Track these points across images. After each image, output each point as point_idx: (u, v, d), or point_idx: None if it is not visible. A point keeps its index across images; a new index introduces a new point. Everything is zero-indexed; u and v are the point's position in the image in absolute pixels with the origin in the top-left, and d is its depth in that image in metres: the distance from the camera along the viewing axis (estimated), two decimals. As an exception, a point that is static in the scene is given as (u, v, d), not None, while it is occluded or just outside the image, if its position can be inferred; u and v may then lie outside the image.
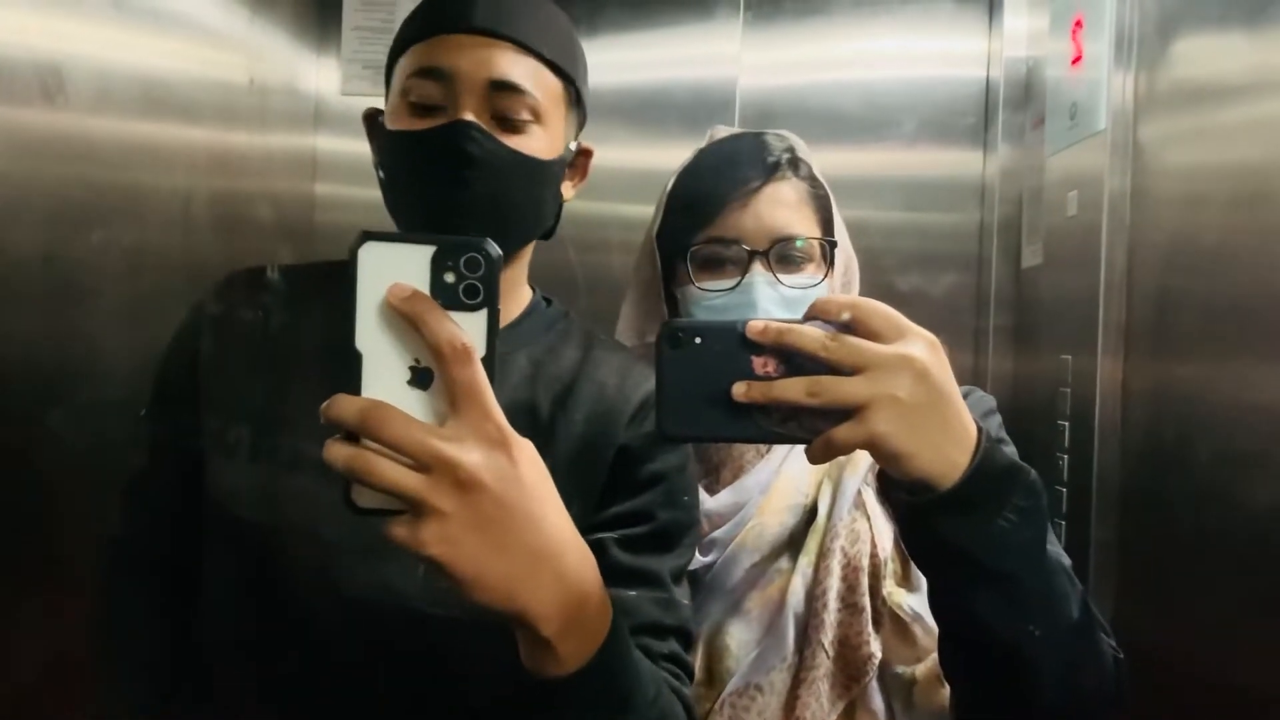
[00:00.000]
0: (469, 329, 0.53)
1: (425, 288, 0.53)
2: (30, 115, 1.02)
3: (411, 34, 0.85)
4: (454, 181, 0.80)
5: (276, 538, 0.80)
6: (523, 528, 0.55)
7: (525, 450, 0.56)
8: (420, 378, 0.53)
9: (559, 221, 0.96)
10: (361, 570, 0.78)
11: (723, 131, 1.04)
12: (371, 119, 0.89)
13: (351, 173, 1.78)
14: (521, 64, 0.82)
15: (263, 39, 1.59)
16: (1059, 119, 1.47)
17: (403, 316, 0.52)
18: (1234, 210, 1.09)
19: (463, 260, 0.53)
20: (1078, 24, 1.41)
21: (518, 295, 0.92)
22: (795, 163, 0.97)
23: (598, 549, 0.78)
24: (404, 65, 0.84)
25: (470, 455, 0.52)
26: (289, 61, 1.69)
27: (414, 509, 0.52)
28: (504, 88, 0.81)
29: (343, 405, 0.52)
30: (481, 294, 0.53)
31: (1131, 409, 1.28)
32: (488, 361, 0.53)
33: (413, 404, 0.53)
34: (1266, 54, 1.05)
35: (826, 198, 0.99)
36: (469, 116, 0.80)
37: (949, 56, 1.80)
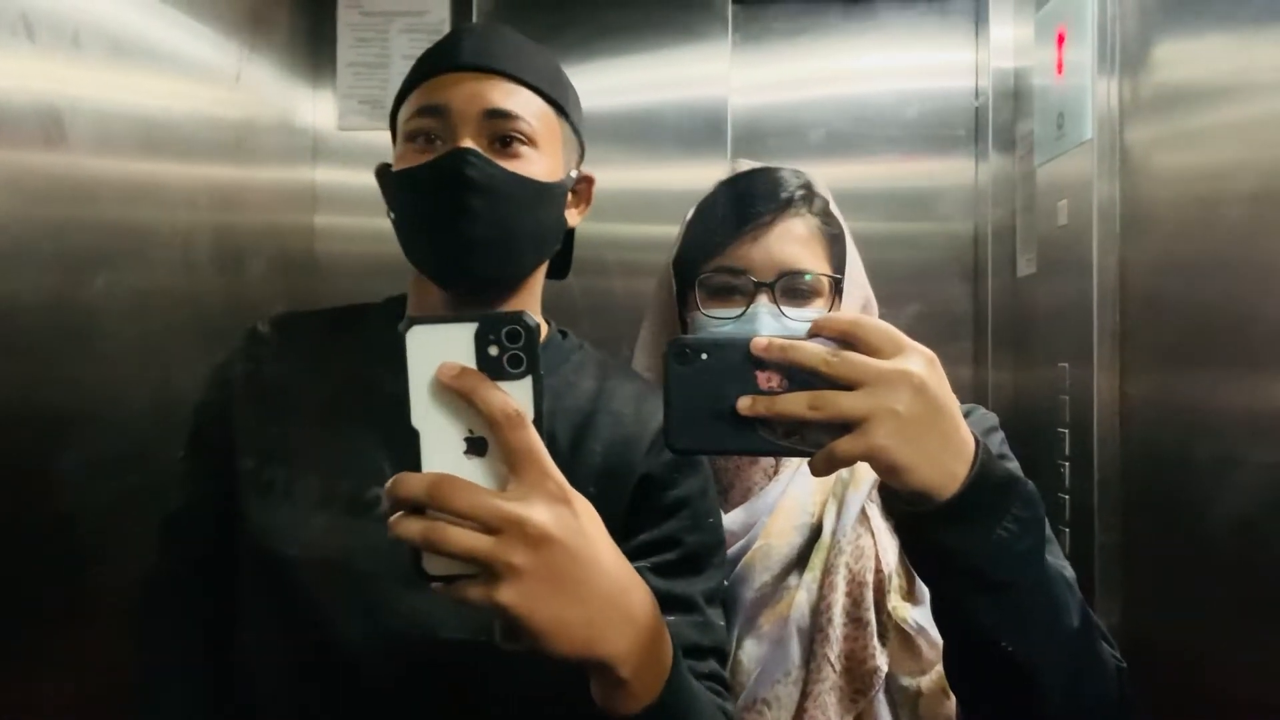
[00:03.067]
0: (517, 396, 0.57)
1: (472, 362, 0.57)
2: (32, 159, 1.03)
3: (409, 83, 0.89)
4: (454, 205, 0.83)
5: (313, 574, 0.82)
6: (593, 576, 0.58)
7: (581, 502, 0.59)
8: (476, 446, 0.57)
9: (571, 257, 0.98)
10: (400, 603, 0.79)
11: (745, 165, 1.07)
12: (382, 173, 0.92)
13: (350, 204, 1.80)
14: (514, 94, 0.86)
15: (259, 76, 1.61)
16: (1047, 128, 1.49)
17: (455, 392, 0.55)
18: (1224, 211, 1.10)
19: (504, 333, 0.57)
20: (1061, 34, 1.43)
21: None
22: (809, 199, 1.00)
23: None
24: (404, 113, 0.88)
25: (536, 513, 0.55)
26: (285, 97, 1.71)
27: (487, 570, 0.55)
28: (498, 115, 0.84)
29: (409, 482, 0.55)
30: (525, 362, 0.57)
31: (1130, 415, 1.29)
32: (538, 423, 0.57)
33: (472, 472, 0.57)
34: (1247, 55, 1.06)
35: (840, 235, 1.01)
36: (467, 144, 0.83)
37: (937, 69, 1.82)
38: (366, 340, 0.91)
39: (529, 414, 0.57)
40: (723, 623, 0.86)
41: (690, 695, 0.69)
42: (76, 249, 1.10)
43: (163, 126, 1.30)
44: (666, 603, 0.80)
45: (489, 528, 0.54)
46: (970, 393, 1.74)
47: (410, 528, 0.54)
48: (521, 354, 0.57)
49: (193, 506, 0.93)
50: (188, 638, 0.91)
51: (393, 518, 0.55)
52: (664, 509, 0.85)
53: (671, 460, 0.85)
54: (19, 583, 1.01)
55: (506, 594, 0.54)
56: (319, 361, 0.90)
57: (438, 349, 0.56)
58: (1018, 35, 1.71)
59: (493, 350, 0.57)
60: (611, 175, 1.86)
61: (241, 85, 1.54)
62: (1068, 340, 1.41)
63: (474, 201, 0.82)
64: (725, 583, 0.94)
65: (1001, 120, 1.74)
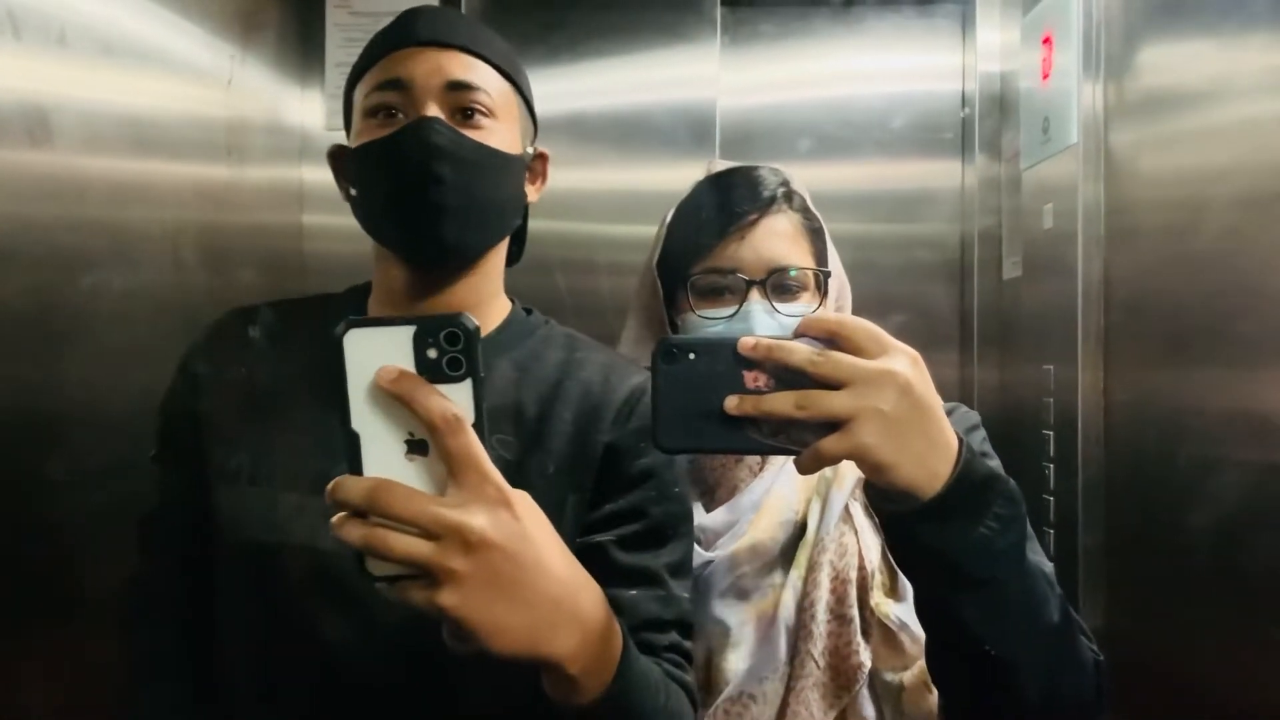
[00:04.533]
0: (456, 399, 0.56)
1: (410, 365, 0.56)
2: (18, 158, 1.03)
3: (365, 62, 0.89)
4: (423, 174, 0.83)
5: (287, 564, 0.82)
6: (535, 578, 0.58)
7: (524, 503, 0.59)
8: (417, 448, 0.57)
9: (525, 239, 0.99)
10: (377, 592, 0.79)
11: (720, 165, 1.07)
12: (336, 155, 0.93)
13: (338, 203, 1.77)
14: (473, 67, 0.87)
15: (247, 76, 1.61)
16: (1032, 132, 1.50)
17: (393, 397, 0.55)
18: (1207, 215, 1.11)
19: (442, 335, 0.56)
20: (1047, 38, 1.44)
21: (495, 305, 0.95)
22: (790, 196, 1.00)
23: (596, 550, 0.82)
24: (361, 90, 0.88)
25: (476, 518, 0.55)
26: (274, 97, 1.71)
27: (428, 574, 0.55)
28: (459, 87, 0.85)
29: (347, 487, 0.55)
30: (464, 365, 0.56)
31: (1114, 417, 1.30)
32: (478, 426, 0.56)
33: (412, 474, 0.56)
34: (1230, 59, 1.08)
35: (820, 229, 1.02)
36: (433, 112, 0.84)
37: (924, 72, 1.83)
38: (330, 329, 0.91)
39: (469, 417, 0.56)
40: (687, 594, 0.87)
41: (641, 682, 0.70)
42: (64, 249, 1.10)
43: (150, 126, 1.29)
44: (630, 576, 0.82)
45: (428, 533, 0.54)
46: (956, 394, 1.76)
47: (351, 532, 0.55)
48: (461, 357, 0.56)
49: (167, 505, 0.93)
50: (171, 636, 0.91)
51: (335, 519, 0.55)
52: (629, 479, 0.86)
53: (638, 429, 0.86)
54: (5, 583, 1.01)
55: (447, 598, 0.55)
56: (283, 353, 0.90)
57: (376, 351, 0.56)
58: (1004, 40, 1.72)
59: (431, 353, 0.56)
60: (600, 176, 1.87)
61: (231, 85, 1.53)
62: (1053, 342, 1.42)
63: (442, 169, 0.83)
64: (711, 576, 0.95)
65: (988, 124, 1.75)
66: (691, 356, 0.62)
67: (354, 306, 0.95)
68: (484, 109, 0.87)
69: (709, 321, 0.96)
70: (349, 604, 0.80)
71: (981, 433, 0.99)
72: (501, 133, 0.88)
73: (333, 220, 1.80)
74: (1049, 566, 0.85)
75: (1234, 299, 1.05)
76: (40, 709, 1.06)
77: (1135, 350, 1.26)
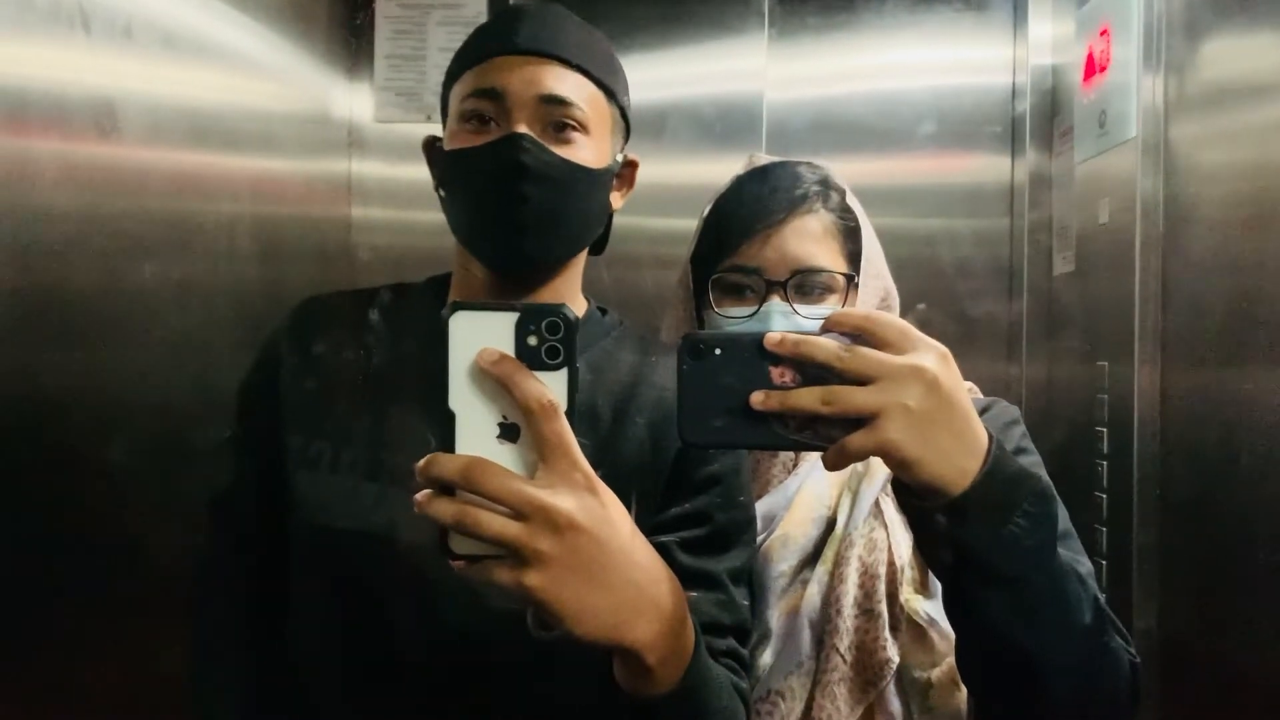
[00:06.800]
0: (552, 386, 0.58)
1: (511, 350, 0.58)
2: (87, 151, 1.05)
3: (464, 61, 0.90)
4: (509, 190, 0.84)
5: (362, 549, 0.83)
6: (620, 564, 0.59)
7: (610, 495, 0.60)
8: (509, 432, 0.58)
9: (609, 235, 0.99)
10: (450, 577, 0.80)
11: (761, 159, 1.07)
12: (430, 146, 0.94)
13: (385, 196, 1.81)
14: (568, 79, 0.87)
15: (299, 68, 1.62)
16: (1088, 126, 1.48)
17: (493, 378, 0.57)
18: (1269, 209, 1.09)
19: (544, 324, 0.58)
20: (1104, 30, 1.42)
21: (573, 305, 0.95)
22: (825, 194, 0.99)
23: (660, 551, 0.82)
24: (458, 91, 0.89)
25: (564, 501, 0.56)
26: (324, 89, 1.72)
27: (515, 555, 0.56)
28: (552, 101, 0.86)
29: (443, 463, 0.56)
30: (562, 354, 0.58)
31: (1170, 414, 1.28)
32: (570, 415, 0.58)
33: (503, 456, 0.58)
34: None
35: (857, 229, 1.00)
36: (522, 129, 0.84)
37: (974, 65, 1.81)
38: (410, 318, 0.93)
39: (563, 405, 0.57)
40: (747, 601, 0.87)
41: (709, 679, 0.71)
42: (128, 239, 1.12)
43: (208, 118, 1.31)
44: (691, 579, 0.82)
45: (518, 513, 0.55)
46: (1003, 389, 1.74)
47: (442, 508, 0.56)
48: (559, 345, 0.58)
49: (240, 486, 0.94)
50: (240, 618, 0.93)
51: (423, 495, 0.56)
52: (697, 484, 0.86)
53: None
54: (66, 568, 1.03)
55: (533, 578, 0.56)
56: (362, 339, 0.92)
57: (478, 335, 0.58)
58: (1056, 32, 1.70)
59: (532, 340, 0.58)
60: (646, 169, 1.86)
61: (280, 77, 1.55)
62: (1107, 338, 1.40)
63: (528, 188, 0.84)
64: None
65: (1039, 117, 1.73)
66: (717, 352, 0.62)
67: (433, 297, 0.96)
68: (576, 123, 0.87)
69: (728, 320, 0.96)
70: (422, 594, 0.81)
71: (1021, 428, 0.98)
72: (592, 147, 0.88)
73: (381, 213, 1.82)
74: (1086, 566, 0.84)
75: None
76: (112, 694, 1.08)
77: (1193, 347, 1.24)
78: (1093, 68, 1.46)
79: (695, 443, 0.64)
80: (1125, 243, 1.34)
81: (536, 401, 0.56)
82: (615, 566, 0.59)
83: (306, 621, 0.88)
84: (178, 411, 1.18)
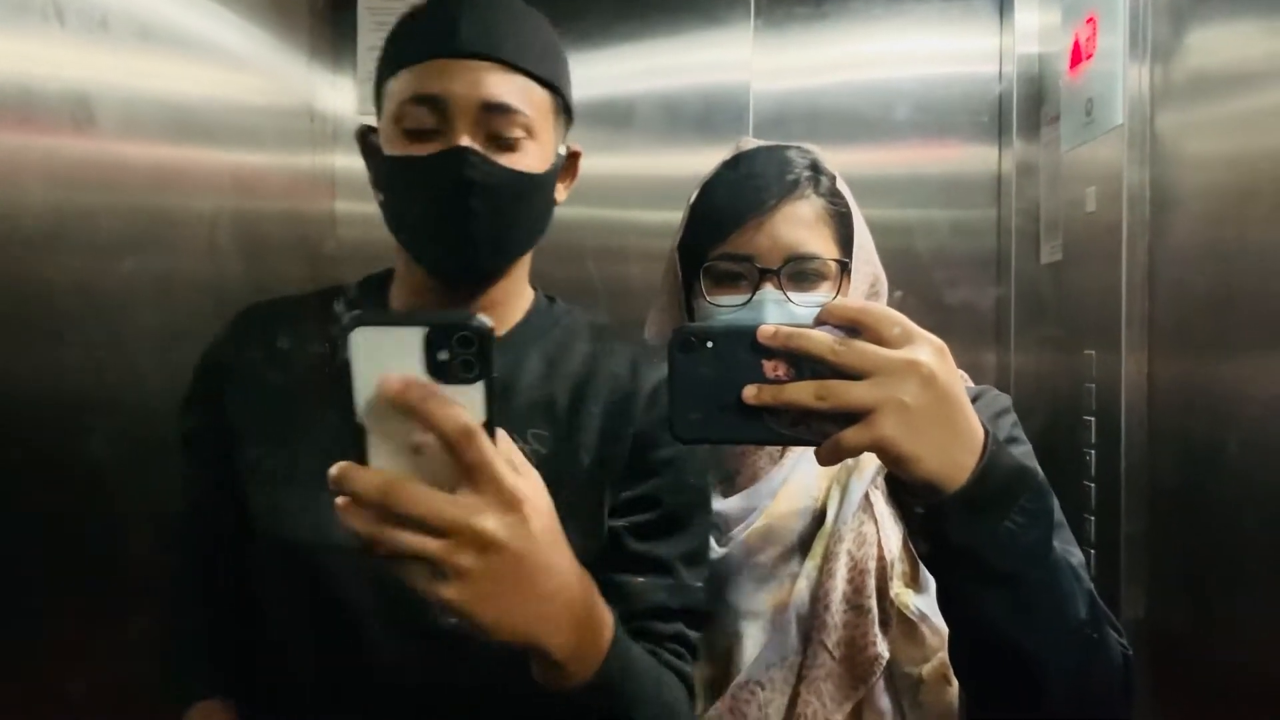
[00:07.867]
0: (467, 400, 0.54)
1: (420, 366, 0.54)
2: (63, 145, 1.03)
3: (401, 57, 0.85)
4: (455, 206, 0.82)
5: (324, 556, 0.82)
6: (536, 576, 0.58)
7: (531, 502, 0.57)
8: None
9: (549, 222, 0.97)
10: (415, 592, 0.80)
11: (748, 144, 1.04)
12: (364, 137, 0.91)
13: (369, 190, 1.79)
14: (511, 83, 0.84)
15: (281, 61, 1.61)
16: (1074, 114, 1.48)
17: (399, 407, 0.53)
18: (1257, 200, 1.09)
19: (455, 339, 0.54)
20: (1090, 18, 1.42)
21: (521, 297, 0.95)
22: (816, 180, 0.97)
23: (611, 537, 0.84)
24: (396, 90, 0.84)
25: (487, 521, 0.55)
26: (306, 83, 1.71)
27: (434, 568, 0.55)
28: (497, 109, 0.82)
29: (355, 478, 0.53)
30: (477, 367, 0.54)
31: (1158, 403, 1.28)
32: (490, 426, 0.55)
33: (419, 466, 0.55)
34: (1282, 41, 1.05)
35: (848, 215, 0.99)
36: (466, 141, 0.81)
37: (961, 54, 1.80)
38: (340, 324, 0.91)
39: (479, 417, 0.54)
40: (700, 583, 0.87)
41: (631, 670, 0.71)
42: (105, 234, 1.10)
43: (188, 111, 1.30)
44: (640, 563, 0.83)
45: (439, 531, 0.54)
46: (992, 378, 1.74)
47: (361, 522, 0.54)
48: (473, 359, 0.54)
49: (193, 505, 0.94)
50: (209, 629, 0.93)
51: (341, 503, 0.54)
52: (649, 468, 0.86)
53: (660, 419, 0.85)
54: (43, 566, 1.02)
55: (451, 591, 0.55)
56: (302, 345, 0.90)
57: (384, 350, 0.54)
58: (1043, 21, 1.69)
59: (443, 355, 0.54)
60: (632, 161, 1.86)
61: (261, 70, 1.53)
62: (1095, 327, 1.40)
63: (474, 202, 0.82)
64: (727, 561, 0.95)
65: (1025, 106, 1.72)
66: (709, 345, 0.60)
67: (371, 299, 0.94)
68: (521, 129, 0.84)
69: (720, 309, 0.94)
70: (383, 603, 0.80)
71: (1012, 417, 0.97)
72: (536, 151, 0.86)
73: (365, 208, 1.80)
74: (1079, 558, 0.83)
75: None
76: (91, 697, 1.07)
77: (1181, 335, 1.24)
78: (1079, 56, 1.46)
79: (686, 437, 0.62)
80: (1112, 231, 1.34)
81: (451, 429, 0.53)
82: (532, 579, 0.58)
83: (272, 632, 0.88)
84: (157, 409, 1.17)
